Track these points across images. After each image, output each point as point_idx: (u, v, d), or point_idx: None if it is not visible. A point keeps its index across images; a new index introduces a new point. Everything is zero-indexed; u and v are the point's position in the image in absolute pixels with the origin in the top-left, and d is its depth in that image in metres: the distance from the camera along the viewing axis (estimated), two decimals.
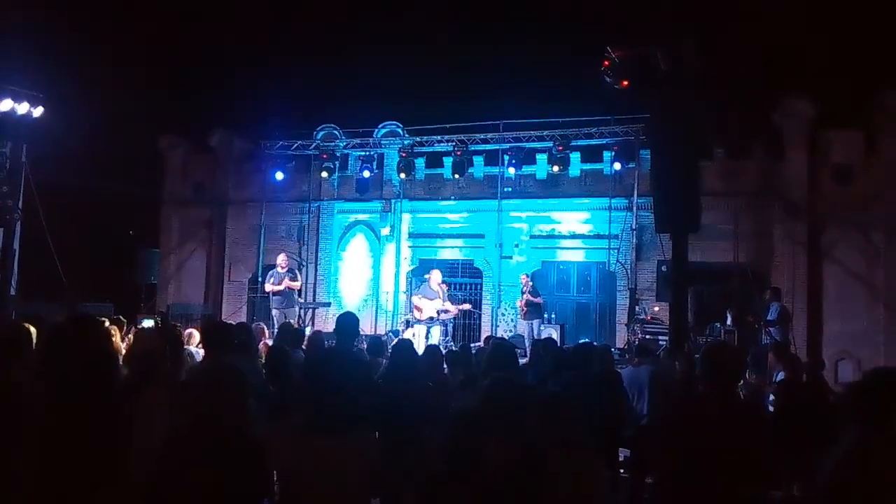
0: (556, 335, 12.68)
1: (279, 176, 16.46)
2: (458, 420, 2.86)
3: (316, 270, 17.11)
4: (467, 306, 14.05)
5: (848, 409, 3.16)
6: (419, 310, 12.74)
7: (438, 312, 12.71)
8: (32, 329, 3.83)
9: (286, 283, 12.93)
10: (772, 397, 7.26)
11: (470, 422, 2.83)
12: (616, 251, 14.80)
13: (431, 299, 12.73)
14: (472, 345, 10.97)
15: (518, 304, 14.11)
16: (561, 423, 3.07)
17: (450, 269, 15.83)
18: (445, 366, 6.40)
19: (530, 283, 13.82)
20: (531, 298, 13.49)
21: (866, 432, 2.92)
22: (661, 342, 11.51)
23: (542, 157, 15.34)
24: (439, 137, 15.93)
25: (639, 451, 6.28)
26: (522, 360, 10.11)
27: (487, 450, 2.73)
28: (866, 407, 2.99)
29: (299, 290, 14.14)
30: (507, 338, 13.26)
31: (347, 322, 5.20)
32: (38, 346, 3.52)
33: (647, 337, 12.10)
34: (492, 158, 15.90)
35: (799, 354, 10.06)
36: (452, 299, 13.46)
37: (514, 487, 2.75)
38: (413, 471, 2.94)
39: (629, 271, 14.52)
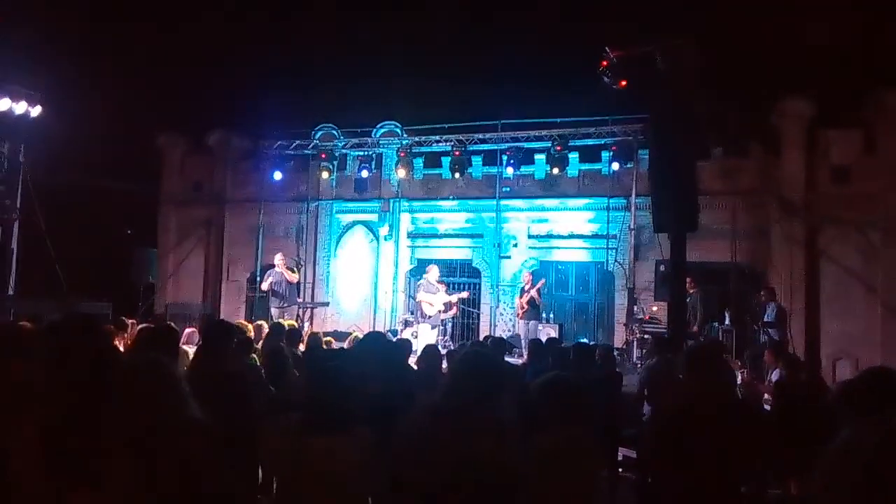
0: (554, 334, 12.69)
1: (277, 175, 16.44)
2: (442, 419, 2.77)
3: (314, 270, 17.11)
4: (465, 294, 14.14)
5: (844, 406, 3.16)
6: (430, 304, 12.74)
7: (445, 305, 12.76)
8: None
9: (286, 275, 12.95)
10: (767, 396, 7.29)
11: (452, 418, 2.75)
12: (614, 251, 14.81)
13: (434, 294, 12.76)
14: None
15: (517, 301, 14.05)
16: (563, 408, 3.03)
17: (448, 269, 15.84)
18: (445, 365, 6.40)
19: (539, 283, 13.69)
20: (537, 297, 13.40)
21: (864, 429, 2.93)
22: None
23: (540, 157, 15.33)
24: (438, 137, 15.92)
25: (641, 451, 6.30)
26: (520, 360, 10.14)
27: (482, 453, 2.67)
28: (864, 404, 3.00)
29: (298, 287, 14.16)
30: (505, 337, 13.26)
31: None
32: (38, 345, 3.52)
33: (646, 337, 12.12)
34: (490, 158, 15.90)
35: (797, 354, 10.08)
36: (450, 293, 13.55)
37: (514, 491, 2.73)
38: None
39: (627, 271, 14.53)
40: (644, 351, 11.91)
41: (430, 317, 12.74)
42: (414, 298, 14.22)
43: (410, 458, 2.77)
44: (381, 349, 5.33)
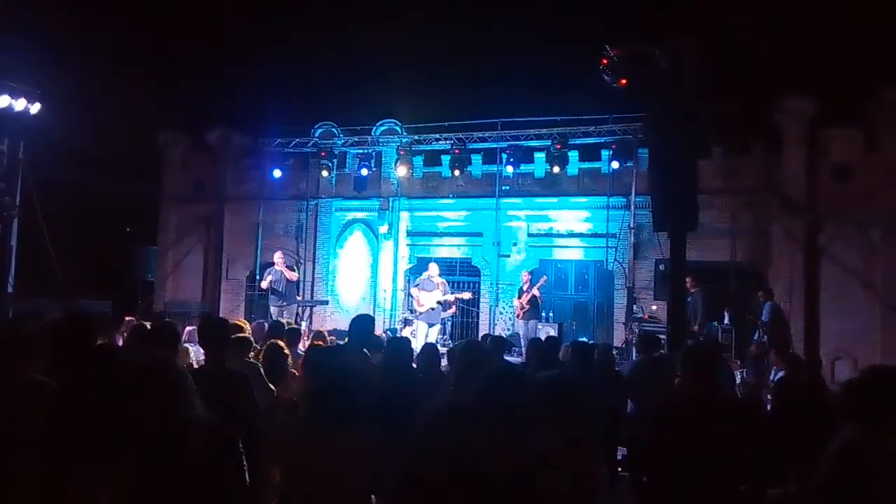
0: (553, 333, 12.66)
1: (277, 173, 16.43)
2: (455, 419, 2.79)
3: (314, 268, 17.10)
4: (468, 295, 14.06)
5: (844, 406, 3.16)
6: (419, 302, 12.72)
7: (439, 303, 12.69)
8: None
9: (285, 273, 12.93)
10: (769, 396, 7.29)
11: (469, 420, 2.77)
12: (614, 250, 14.80)
13: (430, 291, 12.73)
14: None
15: (516, 302, 14.00)
16: (563, 407, 3.03)
17: (448, 268, 15.81)
18: (444, 363, 6.41)
19: (541, 281, 13.65)
20: (538, 295, 13.35)
21: (863, 429, 2.93)
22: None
23: (540, 156, 15.33)
24: (437, 136, 15.93)
25: (635, 449, 6.29)
26: (518, 359, 10.13)
27: (489, 454, 2.67)
28: (863, 404, 3.00)
29: (297, 286, 14.15)
30: (505, 336, 13.24)
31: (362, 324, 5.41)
32: (39, 344, 3.51)
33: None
34: (490, 157, 15.90)
35: (796, 353, 10.07)
36: (451, 291, 13.47)
37: (514, 490, 2.72)
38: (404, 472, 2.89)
39: (627, 270, 14.53)
40: None
41: (420, 313, 12.69)
42: (410, 295, 14.21)
43: (421, 457, 2.77)
44: (372, 331, 5.46)
